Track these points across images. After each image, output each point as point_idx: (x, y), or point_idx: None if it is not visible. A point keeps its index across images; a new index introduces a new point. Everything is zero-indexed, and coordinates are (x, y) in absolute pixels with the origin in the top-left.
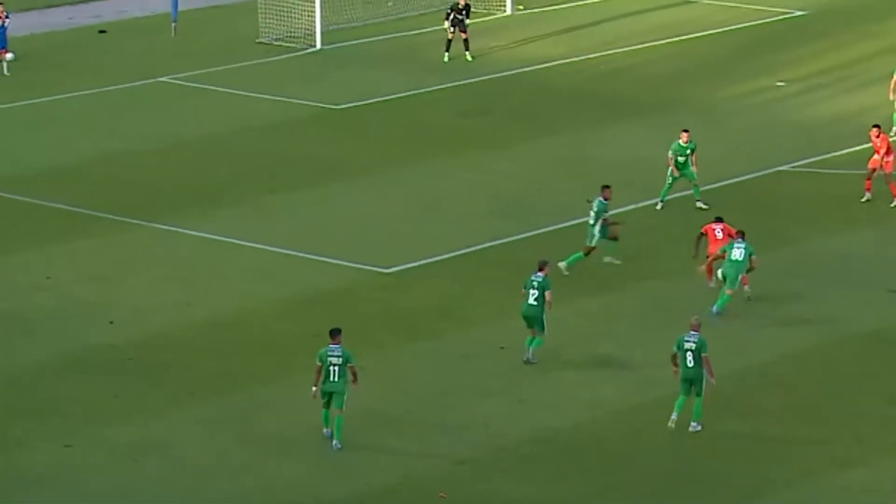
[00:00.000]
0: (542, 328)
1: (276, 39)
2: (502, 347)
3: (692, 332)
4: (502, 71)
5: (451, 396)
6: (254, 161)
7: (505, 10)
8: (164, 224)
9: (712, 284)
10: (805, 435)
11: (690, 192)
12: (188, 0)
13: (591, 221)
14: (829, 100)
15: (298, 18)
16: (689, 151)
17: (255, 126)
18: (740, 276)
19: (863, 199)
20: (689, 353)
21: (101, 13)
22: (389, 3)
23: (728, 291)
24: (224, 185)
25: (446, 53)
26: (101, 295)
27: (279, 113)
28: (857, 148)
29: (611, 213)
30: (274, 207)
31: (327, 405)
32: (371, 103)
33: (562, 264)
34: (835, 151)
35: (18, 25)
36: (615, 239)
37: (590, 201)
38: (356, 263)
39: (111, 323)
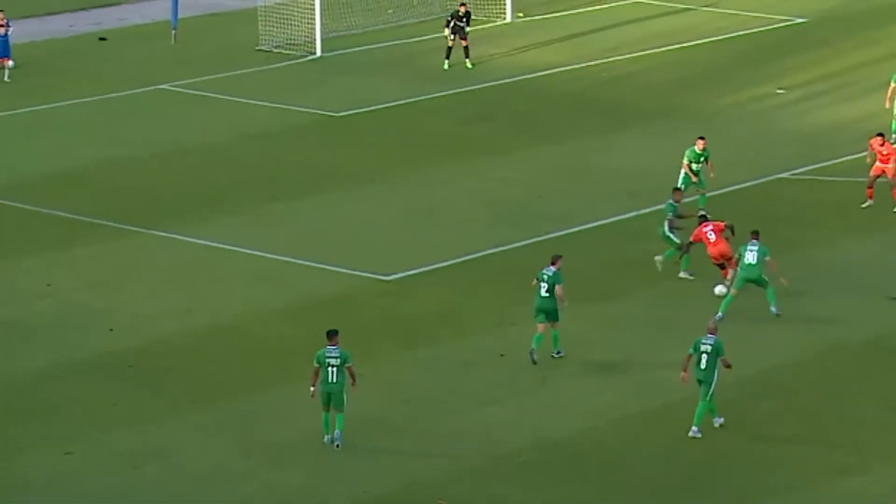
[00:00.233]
0: (557, 318)
1: (275, 47)
2: (502, 355)
3: (709, 335)
4: (502, 78)
5: (450, 403)
6: (254, 168)
7: (505, 18)
8: (163, 231)
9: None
10: (804, 441)
11: (695, 198)
12: (188, 7)
13: (662, 226)
14: (829, 107)
15: (298, 26)
16: (703, 159)
17: (254, 133)
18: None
19: (863, 205)
20: (703, 355)
21: (102, 20)
22: (389, 11)
23: (732, 291)
24: (224, 192)
25: (446, 61)
26: (102, 301)
27: (279, 120)
28: (858, 155)
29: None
30: (274, 214)
31: (327, 408)
32: (371, 110)
33: (658, 258)
34: (835, 159)
35: (19, 32)
36: (686, 251)
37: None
38: (356, 270)
39: (111, 330)
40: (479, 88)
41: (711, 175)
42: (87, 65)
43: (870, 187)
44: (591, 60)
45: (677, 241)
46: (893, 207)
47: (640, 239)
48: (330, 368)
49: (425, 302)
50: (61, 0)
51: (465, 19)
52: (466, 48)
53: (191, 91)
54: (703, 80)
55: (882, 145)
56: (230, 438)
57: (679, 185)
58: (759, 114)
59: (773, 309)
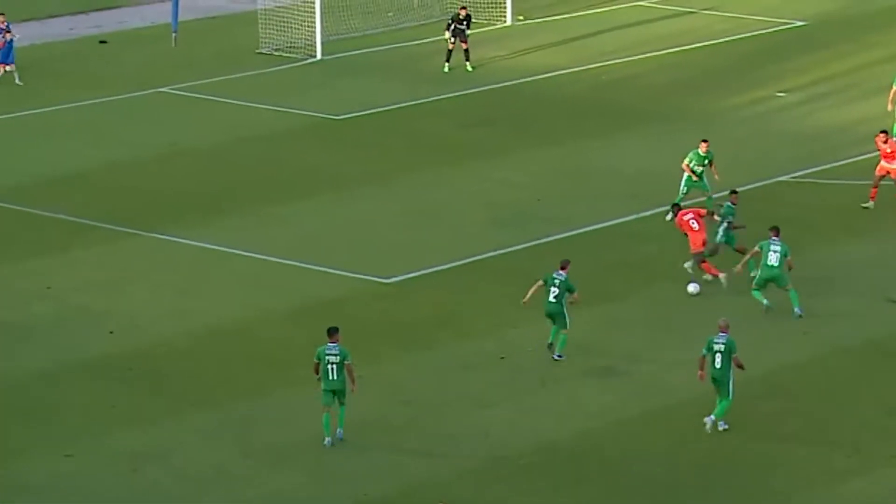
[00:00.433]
0: (565, 324)
1: (276, 50)
2: (502, 357)
3: (721, 334)
4: (503, 81)
5: (450, 406)
6: (254, 171)
7: (505, 21)
8: (163, 233)
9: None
10: (804, 444)
11: (701, 200)
12: (188, 11)
13: (717, 227)
14: (830, 110)
15: (298, 29)
16: (706, 161)
17: (255, 136)
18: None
19: (864, 205)
20: (717, 354)
21: (102, 24)
22: (390, 14)
23: (789, 286)
24: (224, 195)
25: (446, 63)
26: (101, 304)
27: (279, 123)
28: (858, 158)
29: (613, 221)
30: (274, 217)
31: (327, 408)
32: (371, 113)
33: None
34: (835, 161)
35: (19, 35)
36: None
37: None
38: (355, 273)
39: (111, 332)
40: (479, 91)
41: (716, 178)
42: (87, 68)
43: (874, 187)
44: (591, 63)
45: (735, 243)
46: None
47: (640, 241)
48: (330, 366)
49: (425, 304)
50: (62, 3)
51: (465, 22)
52: (467, 51)
53: (191, 94)
54: (704, 82)
55: (885, 142)
56: (230, 440)
57: (683, 189)
58: (760, 116)
59: (796, 310)
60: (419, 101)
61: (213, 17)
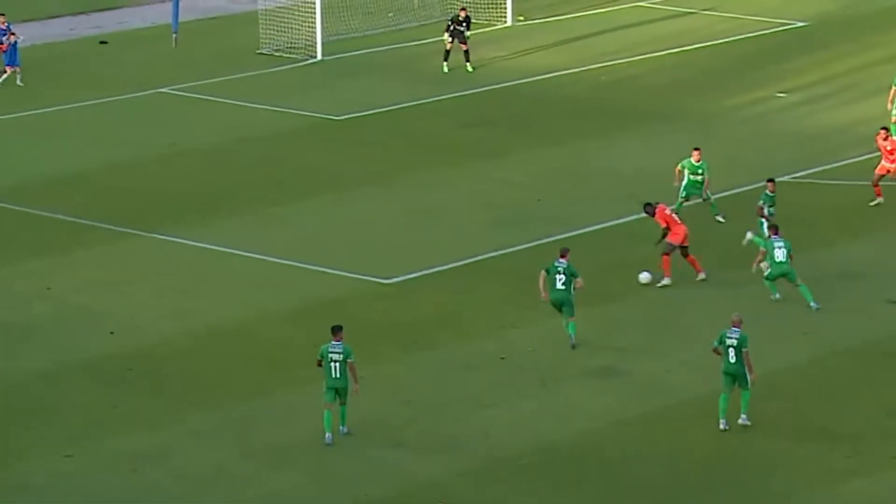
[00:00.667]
0: (572, 311)
1: (276, 50)
2: (502, 358)
3: (734, 329)
4: (502, 82)
5: (451, 406)
6: (254, 171)
7: (505, 22)
8: (163, 234)
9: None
10: (804, 445)
11: (697, 202)
12: (189, 11)
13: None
14: (830, 111)
15: (299, 29)
16: (700, 171)
17: (255, 136)
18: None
19: (872, 203)
20: (731, 349)
21: (102, 24)
22: (390, 15)
23: (799, 282)
24: (224, 195)
25: (445, 63)
26: (102, 304)
27: (279, 123)
28: (858, 159)
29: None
30: (274, 217)
31: (330, 405)
32: (371, 114)
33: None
34: (835, 162)
35: (22, 37)
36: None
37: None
38: (356, 274)
39: (112, 333)
40: (479, 92)
41: (705, 194)
42: (87, 68)
43: (876, 185)
44: (591, 64)
45: (765, 231)
46: None
47: (639, 241)
48: (333, 364)
49: (425, 305)
50: (62, 4)
51: (465, 24)
52: (467, 52)
53: (191, 94)
54: (704, 83)
55: (886, 140)
56: (230, 440)
57: (683, 193)
58: (760, 117)
59: (812, 304)
60: (419, 102)
61: (214, 18)
